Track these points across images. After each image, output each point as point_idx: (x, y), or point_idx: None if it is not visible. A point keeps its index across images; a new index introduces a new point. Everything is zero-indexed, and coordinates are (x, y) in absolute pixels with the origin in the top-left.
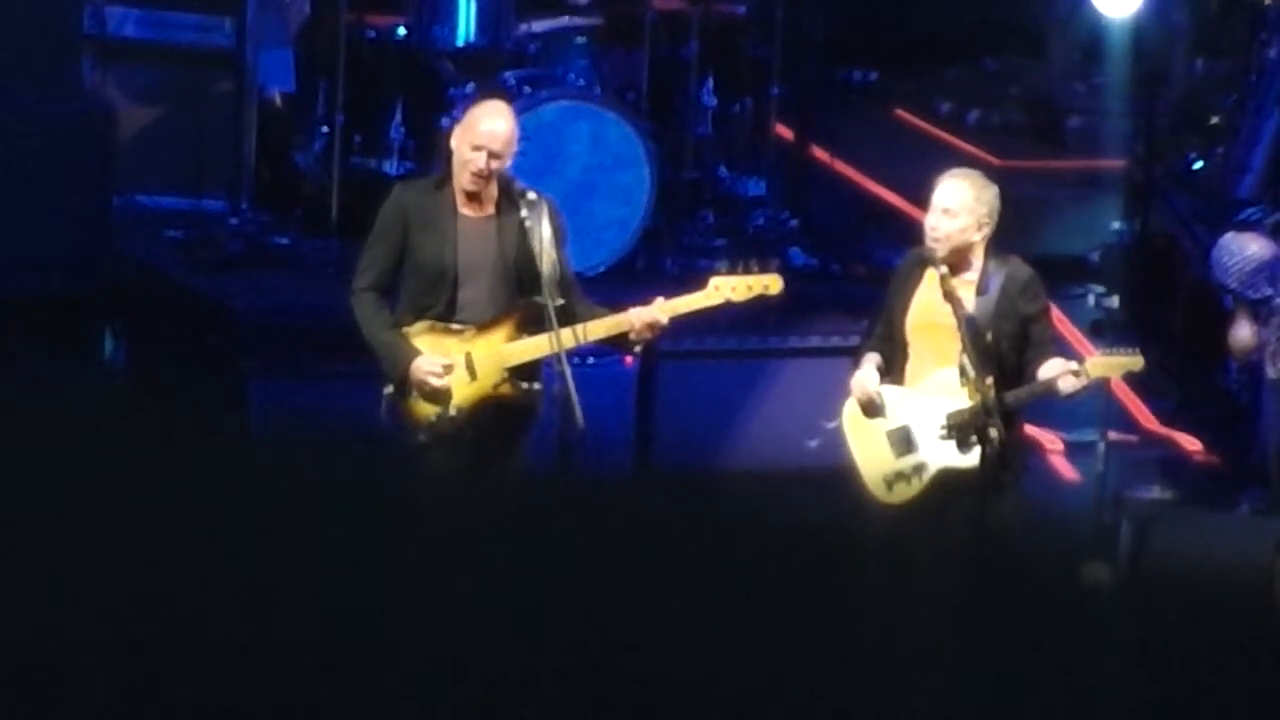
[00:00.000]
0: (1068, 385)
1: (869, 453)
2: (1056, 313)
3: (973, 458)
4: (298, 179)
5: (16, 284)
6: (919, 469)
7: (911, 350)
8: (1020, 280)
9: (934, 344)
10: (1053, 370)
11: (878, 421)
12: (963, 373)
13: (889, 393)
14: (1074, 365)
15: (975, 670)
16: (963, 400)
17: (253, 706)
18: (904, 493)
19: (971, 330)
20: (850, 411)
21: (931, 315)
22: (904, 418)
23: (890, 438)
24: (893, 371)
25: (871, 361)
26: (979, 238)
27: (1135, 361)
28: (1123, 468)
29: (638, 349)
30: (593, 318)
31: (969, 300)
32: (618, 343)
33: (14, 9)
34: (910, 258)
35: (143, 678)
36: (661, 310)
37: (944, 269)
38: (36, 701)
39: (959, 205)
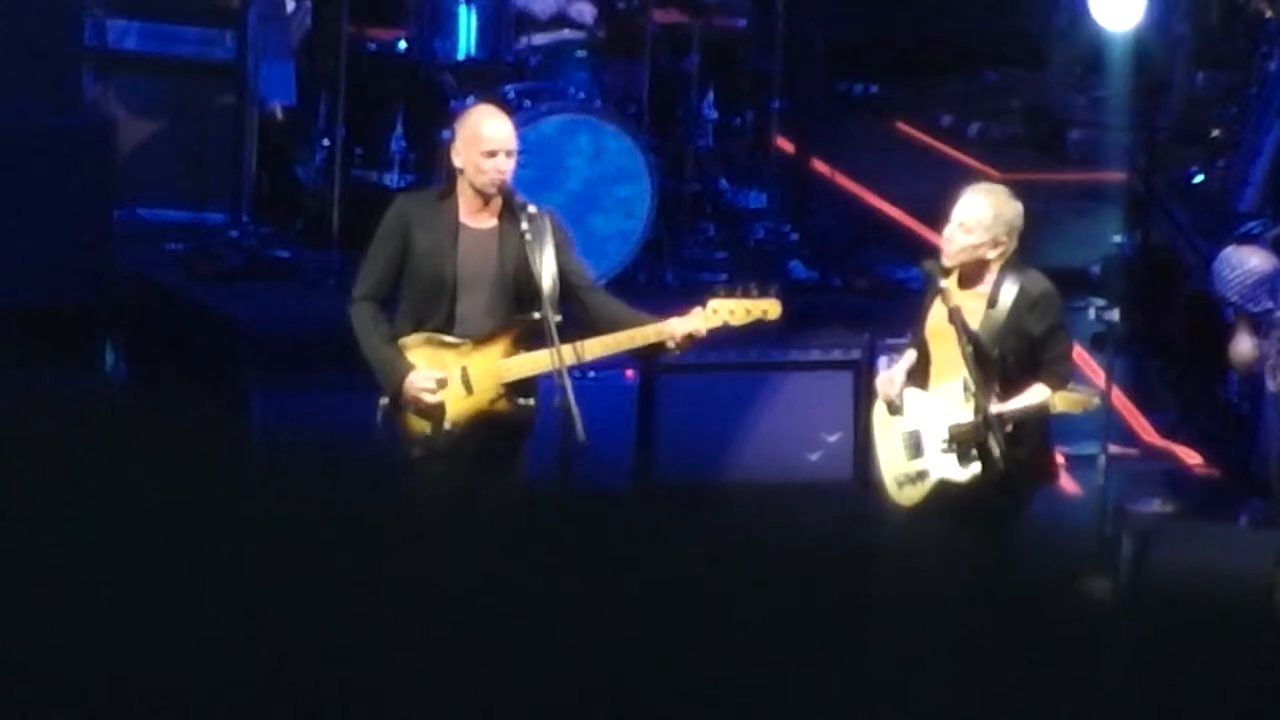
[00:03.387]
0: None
1: (887, 451)
2: None
3: (971, 472)
4: (299, 192)
5: (17, 294)
6: (922, 475)
7: (932, 358)
8: (1032, 297)
9: (946, 353)
10: (1037, 395)
11: (897, 421)
12: (965, 387)
13: (909, 395)
14: (1047, 393)
15: (977, 683)
16: (964, 413)
17: (250, 710)
18: (911, 495)
19: (977, 345)
20: (879, 407)
21: (945, 324)
22: (917, 422)
23: (904, 439)
24: (919, 375)
25: (906, 360)
26: (993, 255)
27: (1092, 401)
28: (1123, 481)
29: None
30: (624, 318)
31: (979, 313)
32: (640, 354)
33: (15, 21)
34: (925, 266)
35: (141, 684)
36: (689, 323)
37: (944, 282)
38: (34, 705)
39: (975, 221)
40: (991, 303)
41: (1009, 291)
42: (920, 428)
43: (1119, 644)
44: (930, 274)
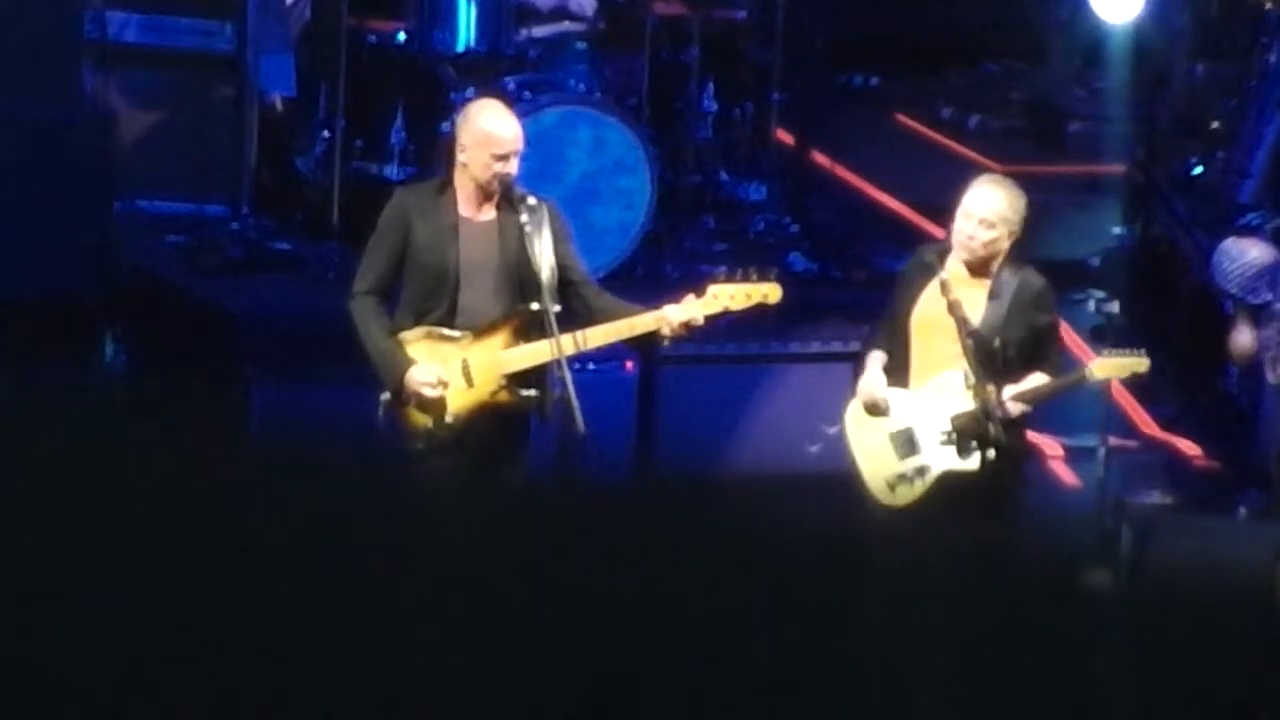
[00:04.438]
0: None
1: (871, 454)
2: (1060, 319)
3: (974, 461)
4: (299, 183)
5: (17, 288)
6: (921, 471)
7: (914, 350)
8: (1034, 290)
9: (938, 344)
10: (1038, 380)
11: (881, 423)
12: (966, 378)
13: (893, 395)
14: (1045, 379)
15: (977, 675)
16: (966, 403)
17: (251, 709)
18: (906, 495)
19: (978, 336)
20: (853, 413)
21: (937, 315)
22: (908, 419)
23: (894, 440)
24: (896, 371)
25: (878, 361)
26: (1007, 247)
27: (1140, 363)
28: (1123, 473)
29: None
30: (618, 311)
31: (980, 305)
32: (638, 342)
33: (15, 14)
34: (919, 256)
35: (140, 681)
36: (685, 310)
37: (944, 274)
38: (34, 702)
39: (997, 216)
40: (993, 294)
41: (1010, 284)
42: (913, 424)
43: (1119, 635)
44: (930, 264)
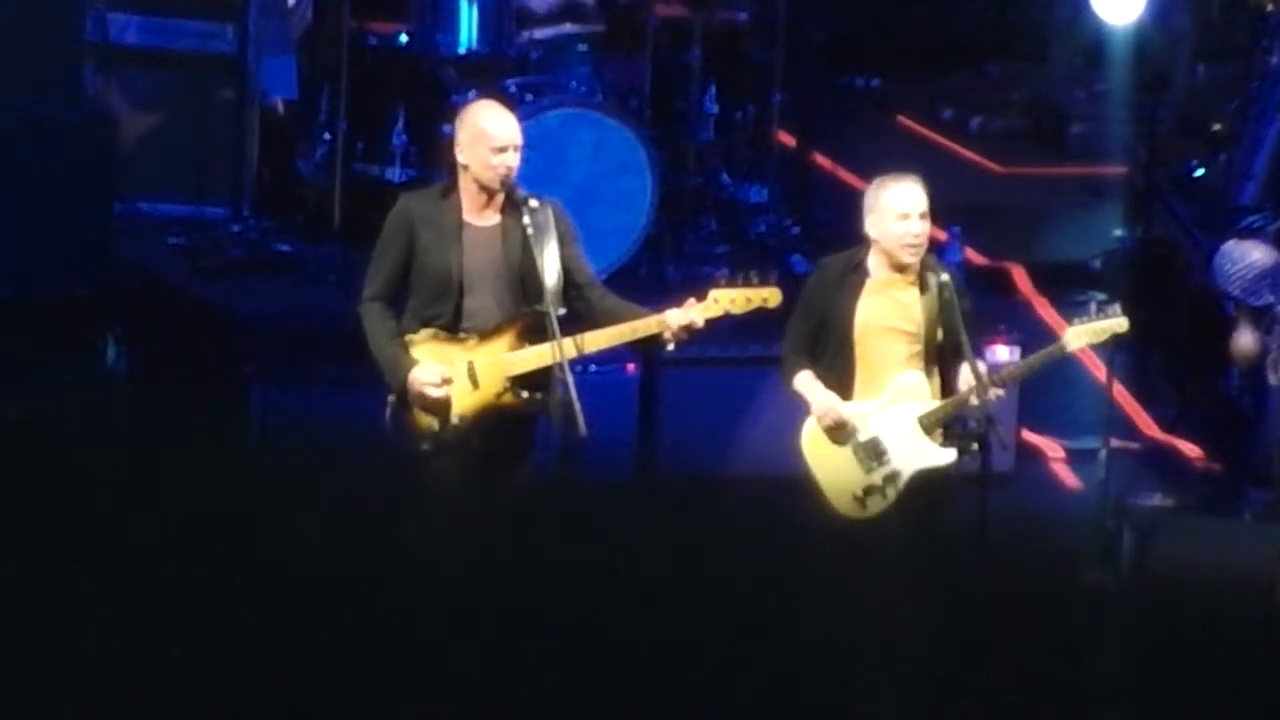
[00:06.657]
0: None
1: (835, 472)
2: (1061, 319)
3: (948, 455)
4: (300, 185)
5: (18, 289)
6: (892, 478)
7: (860, 359)
8: (953, 279)
9: (888, 349)
10: (971, 378)
11: (844, 438)
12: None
13: (851, 408)
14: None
15: (978, 674)
16: (927, 402)
17: (253, 709)
18: (878, 505)
19: (926, 330)
20: (810, 435)
21: (883, 320)
22: (872, 430)
23: (859, 452)
24: (835, 383)
25: (816, 381)
26: None
27: (1118, 323)
28: (1125, 475)
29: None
30: (621, 314)
31: (916, 302)
32: (640, 346)
33: (16, 15)
34: (830, 267)
35: (140, 680)
36: (686, 314)
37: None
38: (35, 699)
39: (927, 207)
40: (924, 289)
41: (930, 277)
42: (879, 434)
43: (1119, 636)
44: (855, 270)
